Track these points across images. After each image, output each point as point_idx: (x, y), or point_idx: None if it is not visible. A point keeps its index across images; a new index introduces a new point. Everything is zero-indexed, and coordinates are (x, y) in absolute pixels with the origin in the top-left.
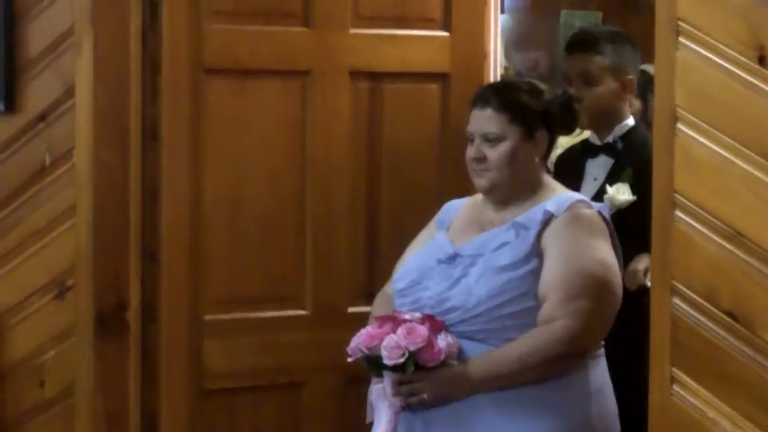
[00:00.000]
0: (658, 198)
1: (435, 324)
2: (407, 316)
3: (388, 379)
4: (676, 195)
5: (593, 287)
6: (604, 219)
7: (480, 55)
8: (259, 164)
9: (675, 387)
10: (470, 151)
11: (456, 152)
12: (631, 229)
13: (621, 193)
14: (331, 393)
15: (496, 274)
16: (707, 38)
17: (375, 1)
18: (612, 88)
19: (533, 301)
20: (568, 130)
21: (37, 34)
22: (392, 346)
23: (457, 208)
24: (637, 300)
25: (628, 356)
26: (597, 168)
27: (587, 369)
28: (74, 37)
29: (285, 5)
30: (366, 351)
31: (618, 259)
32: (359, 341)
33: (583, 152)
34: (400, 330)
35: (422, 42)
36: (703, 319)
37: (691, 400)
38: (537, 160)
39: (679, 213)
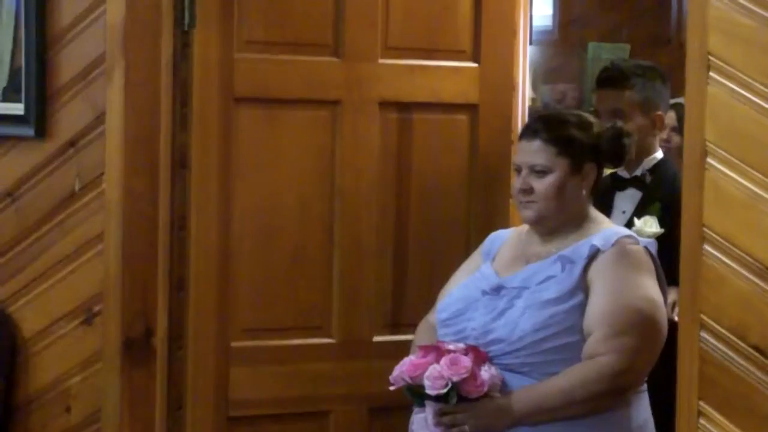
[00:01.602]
0: (688, 232)
1: (479, 355)
2: (451, 347)
3: (430, 409)
4: (705, 230)
5: (639, 324)
6: (651, 255)
7: (509, 86)
8: (287, 193)
9: (702, 421)
10: (517, 183)
11: (484, 183)
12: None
13: (648, 226)
14: (357, 423)
15: (541, 307)
16: (738, 73)
17: (405, 32)
18: (641, 124)
19: (578, 336)
20: (617, 164)
21: (69, 61)
22: (435, 376)
23: (502, 239)
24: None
25: (655, 389)
26: (625, 201)
27: (630, 405)
28: (105, 65)
29: (315, 36)
30: (409, 380)
31: (663, 296)
32: (402, 370)
33: (611, 185)
34: (444, 360)
35: (451, 73)
36: (731, 353)
37: None
38: (584, 193)
39: (708, 248)
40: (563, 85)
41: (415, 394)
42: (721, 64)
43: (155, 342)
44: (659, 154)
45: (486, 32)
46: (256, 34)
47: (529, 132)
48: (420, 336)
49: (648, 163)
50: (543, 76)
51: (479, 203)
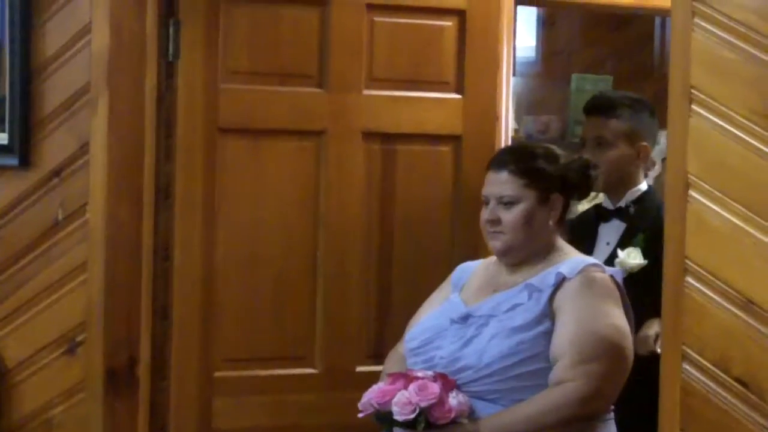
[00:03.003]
0: (670, 264)
1: (447, 382)
2: (419, 374)
3: None
4: (687, 261)
5: (605, 351)
6: (617, 283)
7: (492, 117)
8: (271, 223)
9: None
10: (485, 214)
11: (468, 214)
12: (641, 294)
13: (632, 258)
14: None
15: (508, 335)
16: (720, 106)
17: (389, 63)
18: (626, 154)
19: (545, 363)
20: (583, 196)
21: (54, 91)
22: (404, 402)
23: (471, 270)
24: (647, 365)
25: (638, 421)
26: (609, 232)
27: None
28: (90, 95)
29: (300, 66)
30: (377, 406)
31: (630, 324)
32: (371, 396)
33: (596, 216)
34: (412, 386)
35: (435, 104)
36: (713, 385)
37: None
38: (551, 223)
39: (690, 279)
40: (546, 117)
41: (384, 420)
42: (704, 97)
43: (139, 371)
44: (643, 186)
45: (469, 64)
46: (241, 64)
47: (496, 163)
48: (389, 366)
49: (632, 194)
50: (526, 107)
51: (463, 233)
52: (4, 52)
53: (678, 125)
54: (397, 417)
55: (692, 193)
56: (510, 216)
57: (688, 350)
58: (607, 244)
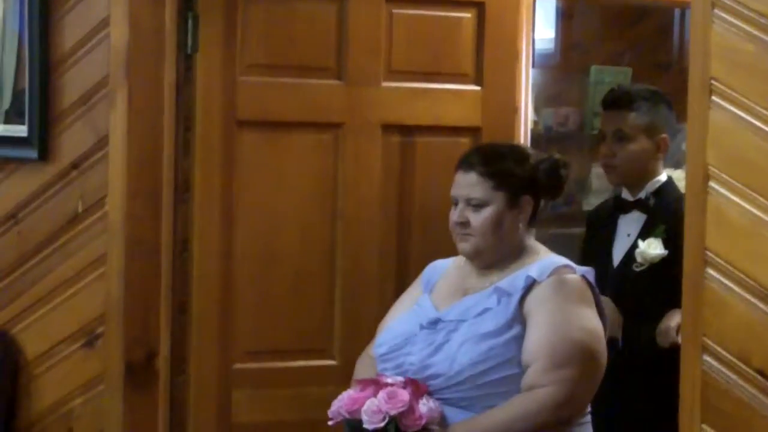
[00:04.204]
0: (690, 256)
1: (418, 388)
2: (389, 380)
3: None
4: (707, 253)
5: (578, 355)
6: (589, 284)
7: (511, 109)
8: (290, 216)
9: None
10: (453, 215)
11: None
12: (663, 285)
13: (653, 248)
14: None
15: (478, 341)
16: (740, 98)
17: (408, 55)
18: (645, 147)
19: (517, 368)
20: (554, 196)
21: (72, 84)
22: (373, 410)
23: (442, 269)
24: (669, 357)
25: (659, 413)
26: (629, 224)
27: None
28: (108, 88)
29: (319, 59)
30: (347, 415)
31: (603, 324)
32: (341, 405)
33: (615, 208)
34: (382, 394)
35: (454, 96)
36: (734, 377)
37: None
38: (521, 225)
39: (710, 271)
40: (566, 109)
41: (354, 428)
42: (723, 88)
43: (157, 365)
44: (663, 177)
45: (488, 56)
46: (259, 57)
47: (465, 164)
48: (360, 370)
49: (652, 185)
50: (545, 99)
51: None
52: (23, 45)
53: (698, 117)
54: (367, 426)
55: (712, 184)
56: (479, 219)
57: (708, 342)
58: (628, 235)
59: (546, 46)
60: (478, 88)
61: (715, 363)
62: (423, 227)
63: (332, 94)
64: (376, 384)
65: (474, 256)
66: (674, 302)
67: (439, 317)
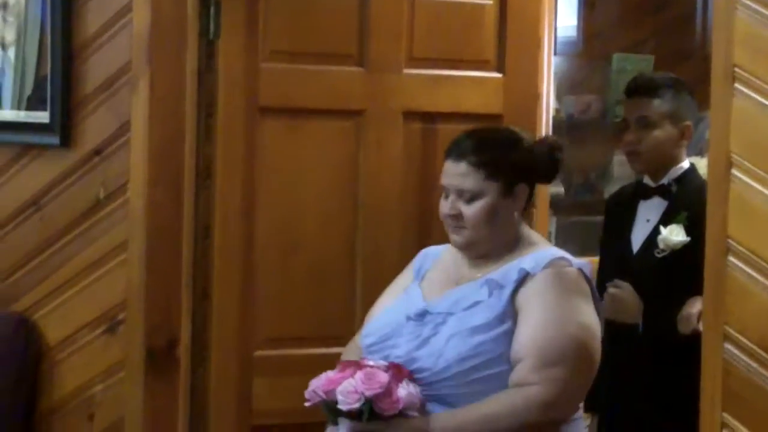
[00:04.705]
0: (712, 244)
1: (399, 372)
2: (371, 363)
3: (344, 427)
4: (729, 241)
5: (571, 353)
6: (586, 277)
7: (533, 97)
8: (311, 203)
9: None
10: (444, 207)
11: None
12: (684, 272)
13: (675, 235)
14: None
15: (467, 335)
16: (764, 85)
17: (429, 42)
18: (670, 133)
19: (507, 365)
20: (550, 180)
21: (95, 70)
22: (349, 390)
23: (435, 256)
24: (690, 344)
25: (679, 400)
26: (650, 210)
27: None
28: (130, 74)
29: (340, 46)
30: (323, 395)
31: (600, 319)
32: (318, 385)
33: (635, 194)
34: (359, 374)
35: (476, 83)
36: (755, 365)
37: None
38: (516, 215)
39: (732, 259)
40: (588, 97)
41: (331, 410)
42: (747, 76)
43: (178, 351)
44: (686, 164)
45: (511, 43)
46: (281, 44)
47: (455, 153)
48: (346, 357)
49: (674, 172)
50: (567, 87)
51: None
52: (46, 31)
53: (721, 105)
54: (341, 406)
55: (735, 172)
56: (471, 211)
57: (730, 330)
58: (648, 221)
59: (568, 34)
60: (499, 75)
61: (736, 351)
62: None
63: (354, 81)
64: (357, 365)
65: (467, 248)
66: (695, 289)
67: (427, 309)
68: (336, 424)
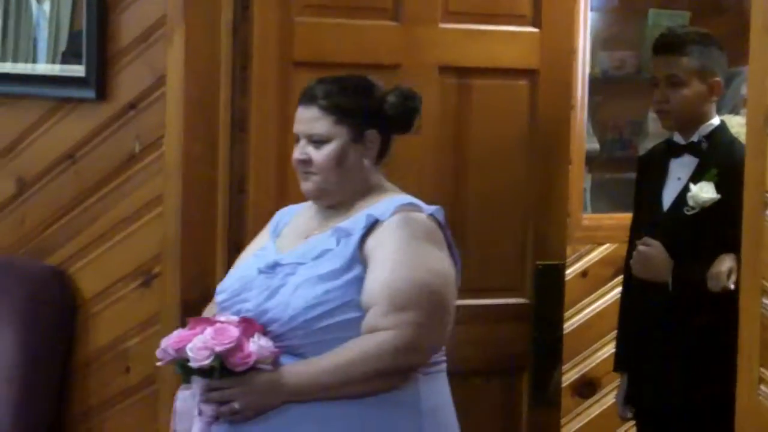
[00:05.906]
0: (750, 198)
1: (251, 326)
2: (222, 318)
3: (197, 385)
4: None
5: (423, 298)
6: (438, 222)
7: (569, 52)
8: None
9: (763, 387)
10: (295, 153)
11: (543, 149)
12: (714, 229)
13: (705, 192)
14: None
15: (314, 283)
16: None
17: None
18: (699, 91)
19: (357, 312)
20: (405, 130)
21: (129, 24)
22: (199, 347)
23: (291, 214)
24: (721, 302)
25: (711, 359)
26: (681, 168)
27: (418, 386)
28: (165, 28)
29: (375, 0)
30: (174, 353)
31: (456, 265)
32: (168, 343)
33: (666, 152)
34: (209, 330)
35: (511, 38)
36: None
37: None
38: (367, 162)
39: None
40: (622, 53)
41: (184, 368)
42: None
43: None
44: (716, 121)
45: None
46: None
47: (306, 98)
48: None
49: (704, 129)
50: (602, 42)
51: (538, 169)
52: None
53: (758, 59)
54: (192, 363)
55: None
56: (321, 155)
57: None
58: (679, 179)
59: None
60: (536, 30)
61: None
62: (479, 169)
63: (388, 35)
64: (207, 322)
65: (317, 196)
66: (725, 246)
67: (278, 261)
68: (189, 382)
